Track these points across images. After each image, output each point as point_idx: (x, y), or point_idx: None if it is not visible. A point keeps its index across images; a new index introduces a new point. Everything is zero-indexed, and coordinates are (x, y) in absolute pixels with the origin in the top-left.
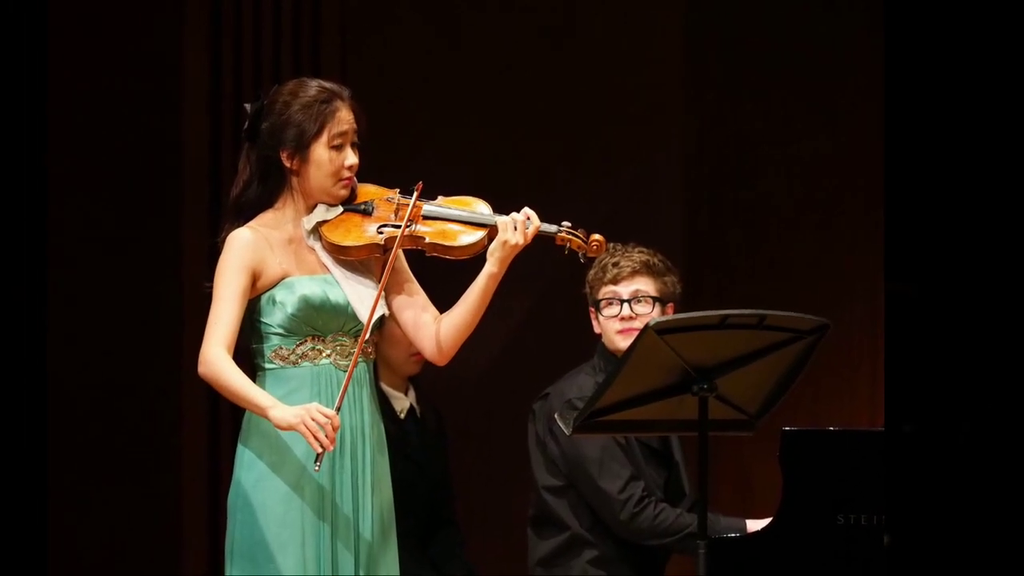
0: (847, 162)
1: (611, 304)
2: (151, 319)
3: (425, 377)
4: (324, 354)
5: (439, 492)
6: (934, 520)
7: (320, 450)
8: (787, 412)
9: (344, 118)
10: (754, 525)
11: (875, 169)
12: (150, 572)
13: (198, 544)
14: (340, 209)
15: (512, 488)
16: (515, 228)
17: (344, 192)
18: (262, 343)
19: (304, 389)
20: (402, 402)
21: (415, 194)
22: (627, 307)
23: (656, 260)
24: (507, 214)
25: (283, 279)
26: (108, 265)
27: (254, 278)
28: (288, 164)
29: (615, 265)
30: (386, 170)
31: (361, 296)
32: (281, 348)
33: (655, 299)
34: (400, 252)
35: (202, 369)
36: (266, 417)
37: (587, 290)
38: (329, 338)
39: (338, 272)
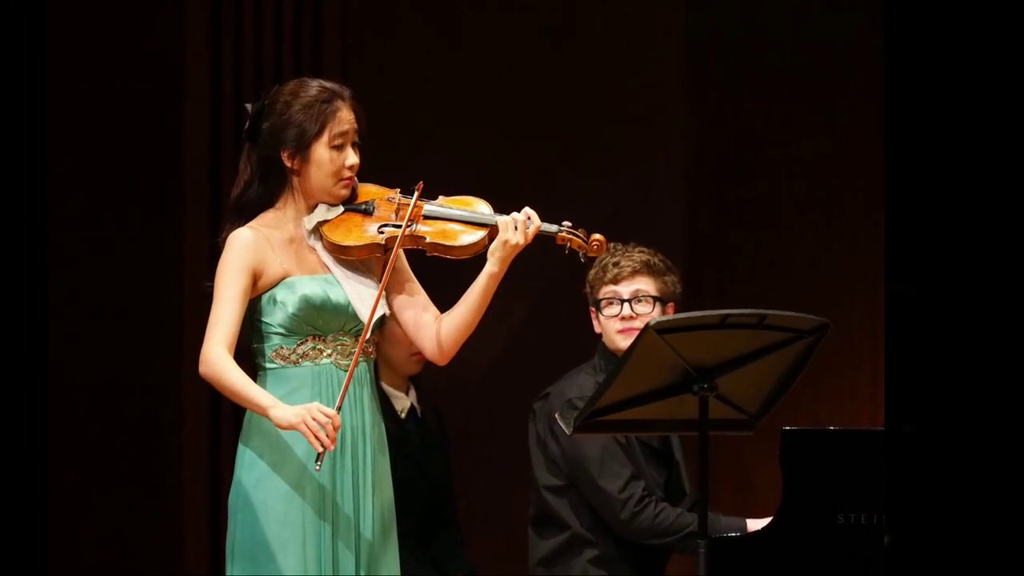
0: (847, 162)
1: (611, 304)
2: (152, 319)
3: (426, 377)
4: (325, 354)
5: (440, 491)
6: (934, 520)
7: (321, 450)
8: (787, 412)
9: (345, 118)
10: (754, 525)
11: (875, 169)
12: (151, 572)
13: (199, 544)
14: (341, 209)
15: (513, 487)
16: (516, 228)
17: (345, 192)
18: (263, 343)
19: (305, 389)
20: (403, 402)
21: (416, 194)
22: (627, 307)
23: (656, 260)
24: (508, 214)
25: (284, 279)
26: (108, 265)
27: (255, 278)
28: (289, 164)
29: (615, 265)
30: (387, 170)
31: (362, 296)
32: (282, 348)
33: (655, 299)
34: (401, 252)
35: (203, 369)
36: (267, 417)
37: (587, 290)
38: (330, 338)
39: (339, 272)
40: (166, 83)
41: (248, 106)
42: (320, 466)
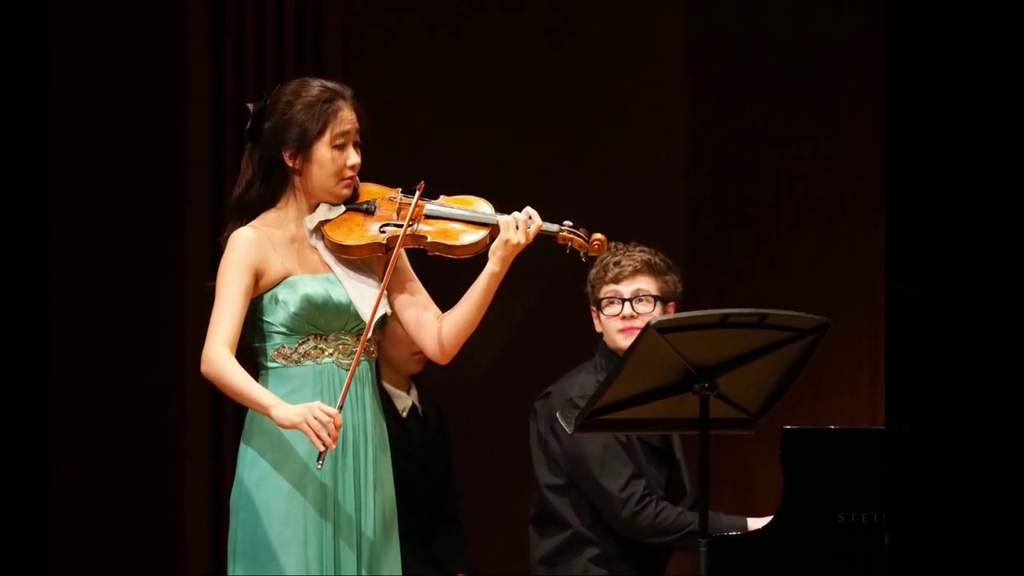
0: (847, 162)
1: (612, 303)
2: (153, 318)
3: (427, 376)
4: (326, 353)
5: (441, 490)
6: (934, 520)
7: (322, 449)
8: (788, 411)
9: (346, 117)
10: (755, 523)
11: (875, 169)
12: (153, 571)
13: (201, 543)
14: (342, 208)
15: (514, 486)
16: (517, 227)
17: (346, 191)
18: (264, 342)
19: (306, 388)
20: (404, 401)
21: (417, 193)
22: (628, 306)
23: (657, 259)
24: (509, 213)
25: (285, 278)
26: (109, 265)
27: (256, 277)
28: (290, 163)
29: (616, 264)
30: (388, 169)
31: (363, 295)
32: (283, 347)
33: (656, 298)
34: (402, 251)
35: (205, 368)
36: (268, 416)
37: (588, 289)
38: (331, 337)
39: (340, 271)
40: (167, 83)
41: (250, 106)
42: (322, 465)
